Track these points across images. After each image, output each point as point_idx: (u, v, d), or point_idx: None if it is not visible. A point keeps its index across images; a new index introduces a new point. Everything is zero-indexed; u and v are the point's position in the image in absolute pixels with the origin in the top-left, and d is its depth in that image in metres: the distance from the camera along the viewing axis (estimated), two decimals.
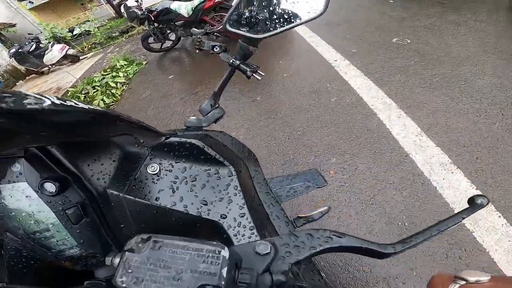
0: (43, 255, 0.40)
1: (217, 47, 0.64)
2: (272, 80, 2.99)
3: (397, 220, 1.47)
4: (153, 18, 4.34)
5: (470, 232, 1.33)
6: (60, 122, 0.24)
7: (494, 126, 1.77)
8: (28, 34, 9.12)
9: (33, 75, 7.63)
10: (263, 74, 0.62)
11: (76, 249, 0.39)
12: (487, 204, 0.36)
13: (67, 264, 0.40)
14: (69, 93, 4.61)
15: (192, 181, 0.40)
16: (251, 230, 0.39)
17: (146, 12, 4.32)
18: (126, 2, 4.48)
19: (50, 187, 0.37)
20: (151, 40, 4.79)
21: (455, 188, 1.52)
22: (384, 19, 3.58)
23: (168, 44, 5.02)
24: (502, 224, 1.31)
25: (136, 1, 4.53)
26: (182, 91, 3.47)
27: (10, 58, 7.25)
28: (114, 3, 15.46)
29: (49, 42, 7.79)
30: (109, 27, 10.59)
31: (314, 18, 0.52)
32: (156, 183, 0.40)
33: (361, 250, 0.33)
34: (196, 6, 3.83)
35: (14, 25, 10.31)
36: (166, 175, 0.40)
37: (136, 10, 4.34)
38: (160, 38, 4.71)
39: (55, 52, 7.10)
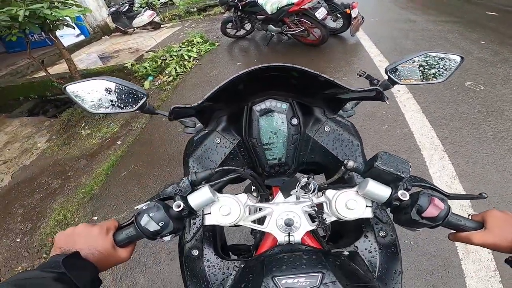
0: (260, 160, 0.70)
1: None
2: None
3: None
4: (240, 7, 4.76)
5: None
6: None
7: None
8: None
9: (118, 33, 8.66)
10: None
11: (278, 160, 0.68)
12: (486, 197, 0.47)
13: (266, 169, 0.71)
14: (150, 55, 5.32)
15: (342, 141, 0.70)
16: None
17: (236, 0, 4.71)
18: None
19: (294, 121, 0.68)
20: (229, 25, 5.28)
21: None
22: (466, 58, 3.49)
23: (241, 32, 5.48)
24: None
25: None
26: None
27: (109, 16, 8.38)
28: None
29: (142, 7, 8.79)
30: (190, 1, 11.52)
31: (436, 83, 0.72)
32: (328, 136, 0.70)
33: None
34: (282, 7, 4.14)
35: None
36: (333, 133, 0.71)
37: None
38: (238, 25, 5.16)
39: (144, 17, 8.06)
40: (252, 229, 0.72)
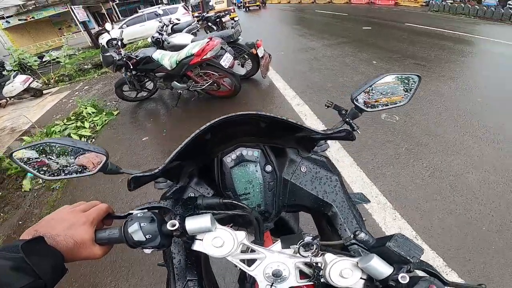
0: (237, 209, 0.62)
1: None
2: None
3: None
4: (131, 66, 3.94)
5: None
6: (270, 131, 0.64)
7: (483, 229, 1.78)
8: None
9: None
10: None
11: (257, 208, 0.68)
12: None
13: (257, 215, 0.61)
14: (24, 142, 4.01)
15: (320, 178, 0.67)
16: (353, 219, 0.63)
17: (124, 59, 3.88)
18: (104, 42, 4.17)
19: (268, 168, 0.66)
20: (126, 88, 4.44)
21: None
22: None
23: (144, 93, 4.68)
24: None
25: (114, 40, 4.19)
26: (158, 162, 3.07)
27: None
28: (93, 32, 15.22)
29: (13, 70, 7.08)
30: (82, 57, 10.08)
31: (400, 106, 0.72)
32: (305, 177, 0.68)
33: None
34: (181, 60, 3.56)
35: None
36: (310, 173, 0.68)
37: (114, 55, 3.90)
38: (136, 86, 4.36)
39: (16, 84, 6.43)
40: (242, 274, 0.67)
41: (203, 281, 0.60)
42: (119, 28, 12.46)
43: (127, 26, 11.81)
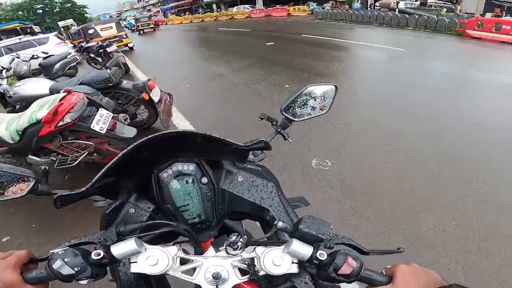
0: (179, 220, 0.67)
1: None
2: None
3: None
4: None
5: None
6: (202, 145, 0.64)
7: None
8: None
9: None
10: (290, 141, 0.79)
11: (198, 218, 0.68)
12: None
13: (185, 227, 0.63)
14: None
15: (257, 186, 0.70)
16: (290, 221, 0.66)
17: None
18: None
19: (204, 180, 0.69)
20: None
21: None
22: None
23: None
24: None
25: None
26: None
27: None
28: None
29: None
30: None
31: (323, 114, 0.81)
32: (242, 186, 0.70)
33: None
34: (25, 129, 2.32)
35: None
36: (246, 181, 0.71)
37: None
38: None
39: None
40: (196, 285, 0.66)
41: None
42: None
43: None
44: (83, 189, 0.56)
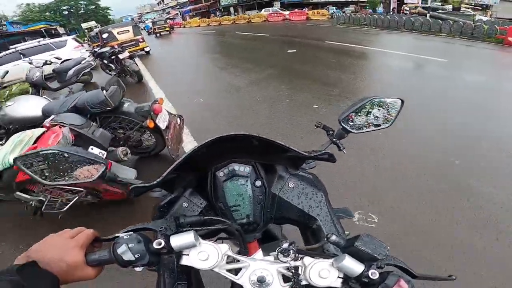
0: (229, 219, 0.66)
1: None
2: None
3: None
4: None
5: None
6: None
7: None
8: None
9: None
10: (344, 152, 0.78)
11: (246, 219, 0.68)
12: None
13: (237, 227, 0.64)
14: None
15: (307, 194, 0.71)
16: (336, 232, 0.66)
17: None
18: None
19: (258, 183, 0.69)
20: None
21: None
22: (315, 143, 2.70)
23: None
24: None
25: None
26: None
27: None
28: None
29: None
30: None
31: (385, 128, 0.78)
32: (292, 192, 0.71)
33: None
34: (1, 173, 1.91)
35: None
36: (297, 188, 0.71)
37: None
38: None
39: None
40: (232, 284, 0.72)
41: (192, 286, 0.63)
42: None
43: None
44: (154, 182, 0.59)
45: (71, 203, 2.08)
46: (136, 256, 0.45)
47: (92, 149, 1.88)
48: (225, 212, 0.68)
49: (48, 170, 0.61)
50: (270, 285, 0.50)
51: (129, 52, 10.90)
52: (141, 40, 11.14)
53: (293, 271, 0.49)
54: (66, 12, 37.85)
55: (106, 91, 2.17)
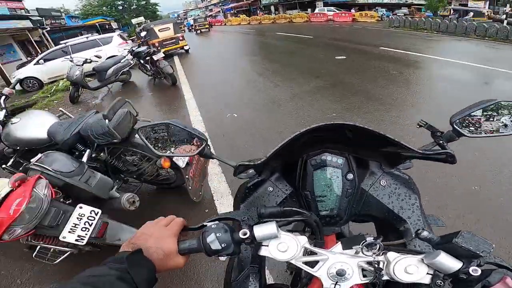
0: (312, 209, 0.67)
1: None
2: None
3: None
4: None
5: None
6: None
7: None
8: None
9: None
10: None
11: (330, 211, 0.66)
12: None
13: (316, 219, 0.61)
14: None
15: (399, 195, 0.67)
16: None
17: None
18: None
19: (349, 176, 0.66)
20: None
21: None
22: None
23: None
24: None
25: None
26: None
27: None
28: (17, 64, 12.21)
29: None
30: None
31: (509, 135, 0.64)
32: (383, 190, 0.68)
33: None
34: None
35: None
36: (389, 187, 0.68)
37: None
38: None
39: None
40: (288, 266, 0.75)
41: (262, 269, 0.65)
42: (34, 64, 9.72)
43: (45, 61, 9.11)
44: (258, 162, 0.62)
45: (61, 258, 1.61)
46: (223, 245, 0.46)
47: (81, 208, 1.34)
48: (309, 202, 0.68)
49: (161, 141, 0.68)
50: (349, 279, 0.49)
51: (169, 50, 10.96)
52: (181, 38, 11.02)
53: (375, 265, 0.48)
54: (121, 7, 40.45)
55: (109, 120, 1.63)
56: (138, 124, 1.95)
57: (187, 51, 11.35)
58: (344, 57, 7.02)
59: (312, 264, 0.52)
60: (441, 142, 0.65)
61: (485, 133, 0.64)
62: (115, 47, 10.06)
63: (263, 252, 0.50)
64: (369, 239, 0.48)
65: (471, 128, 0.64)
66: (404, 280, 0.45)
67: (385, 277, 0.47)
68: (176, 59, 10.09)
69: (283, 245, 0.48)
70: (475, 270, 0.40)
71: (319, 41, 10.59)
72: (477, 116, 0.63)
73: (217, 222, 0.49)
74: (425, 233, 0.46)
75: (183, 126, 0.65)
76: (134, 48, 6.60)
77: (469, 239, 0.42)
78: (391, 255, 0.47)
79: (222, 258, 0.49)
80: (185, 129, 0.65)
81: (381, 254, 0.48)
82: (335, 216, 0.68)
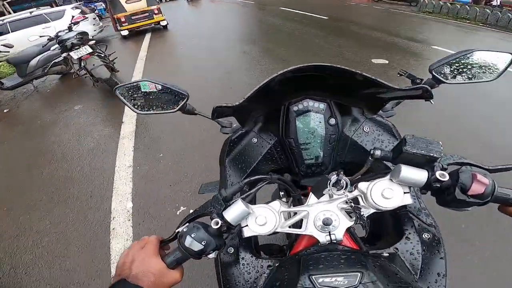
0: (296, 160, 0.68)
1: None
2: None
3: None
4: None
5: None
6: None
7: None
8: None
9: None
10: None
11: (315, 160, 0.67)
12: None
13: (302, 169, 0.68)
14: None
15: (382, 141, 0.68)
16: None
17: None
18: None
19: (332, 121, 0.66)
20: None
21: None
22: None
23: None
24: None
25: None
26: None
27: None
28: None
29: None
30: None
31: (486, 81, 0.67)
32: (367, 136, 0.68)
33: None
34: None
35: None
36: (372, 133, 0.68)
37: None
38: None
39: None
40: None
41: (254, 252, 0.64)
42: None
43: None
44: (236, 103, 0.58)
45: None
46: (203, 243, 0.45)
47: None
48: (294, 150, 0.68)
49: (140, 100, 0.67)
50: (337, 226, 0.48)
51: (139, 26, 8.30)
52: (156, 12, 8.32)
53: (352, 204, 0.47)
54: None
55: None
56: None
57: (165, 27, 8.75)
58: (386, 62, 4.74)
59: (299, 224, 0.51)
60: (418, 81, 0.70)
61: (463, 80, 0.66)
62: (67, 24, 7.29)
63: (246, 233, 0.49)
64: (334, 178, 0.48)
65: (450, 75, 0.66)
66: (388, 206, 0.44)
67: (369, 211, 0.47)
68: (146, 39, 7.63)
69: (260, 218, 0.48)
70: (442, 175, 0.40)
71: (337, 26, 8.03)
72: (455, 64, 0.65)
73: (187, 224, 0.48)
74: (377, 152, 0.45)
75: (162, 83, 0.65)
76: (60, 33, 4.21)
77: (415, 143, 0.41)
78: (362, 185, 0.47)
79: (211, 256, 0.47)
80: (165, 85, 0.64)
81: (353, 189, 0.48)
82: (320, 165, 0.68)
